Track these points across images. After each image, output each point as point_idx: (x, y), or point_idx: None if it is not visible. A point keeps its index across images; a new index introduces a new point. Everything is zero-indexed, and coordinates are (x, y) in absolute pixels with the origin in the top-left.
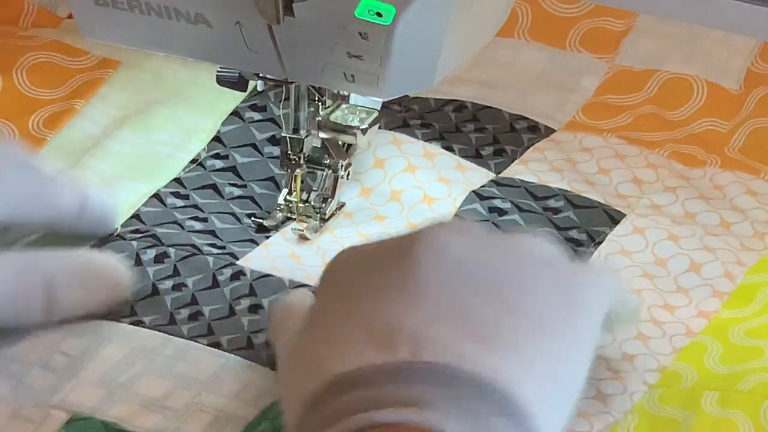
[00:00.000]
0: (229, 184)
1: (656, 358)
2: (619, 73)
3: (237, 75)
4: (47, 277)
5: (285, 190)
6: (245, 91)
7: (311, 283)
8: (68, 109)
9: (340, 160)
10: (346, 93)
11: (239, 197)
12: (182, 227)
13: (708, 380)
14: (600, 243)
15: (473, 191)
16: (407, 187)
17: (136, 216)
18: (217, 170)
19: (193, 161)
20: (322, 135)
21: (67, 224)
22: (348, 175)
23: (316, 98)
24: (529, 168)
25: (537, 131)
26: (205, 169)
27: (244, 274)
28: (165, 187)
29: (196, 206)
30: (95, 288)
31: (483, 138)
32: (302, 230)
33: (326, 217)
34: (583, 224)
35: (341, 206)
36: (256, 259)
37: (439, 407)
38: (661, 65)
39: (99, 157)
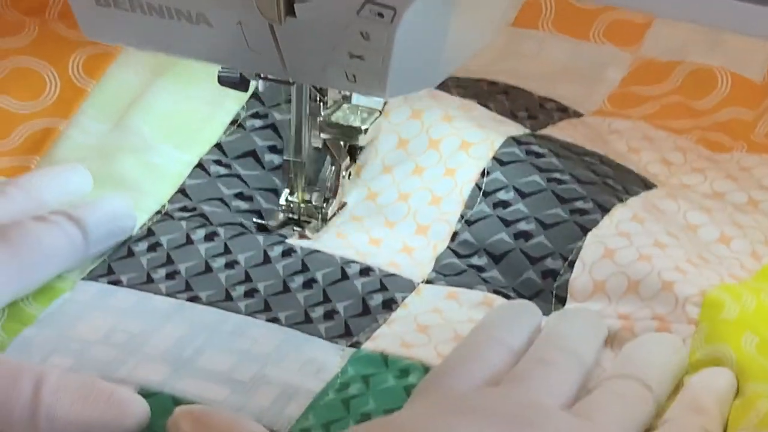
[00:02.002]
0: (269, 149)
1: (696, 283)
2: (643, 64)
3: (238, 75)
4: (37, 379)
5: (286, 191)
6: (246, 91)
7: (360, 259)
8: (106, 53)
9: (342, 161)
10: (347, 93)
11: (279, 167)
12: (228, 207)
13: (748, 319)
14: (634, 195)
15: (511, 137)
16: (445, 135)
17: (181, 191)
18: (257, 129)
19: (233, 122)
20: (324, 135)
21: (78, 258)
22: (349, 175)
23: (318, 98)
24: (564, 132)
25: (566, 111)
26: (246, 129)
27: (295, 251)
28: (207, 154)
29: (239, 177)
30: (95, 405)
31: (516, 105)
32: (304, 231)
33: (328, 218)
34: (619, 181)
35: (343, 206)
36: (302, 238)
37: None
38: (684, 56)
39: (140, 117)
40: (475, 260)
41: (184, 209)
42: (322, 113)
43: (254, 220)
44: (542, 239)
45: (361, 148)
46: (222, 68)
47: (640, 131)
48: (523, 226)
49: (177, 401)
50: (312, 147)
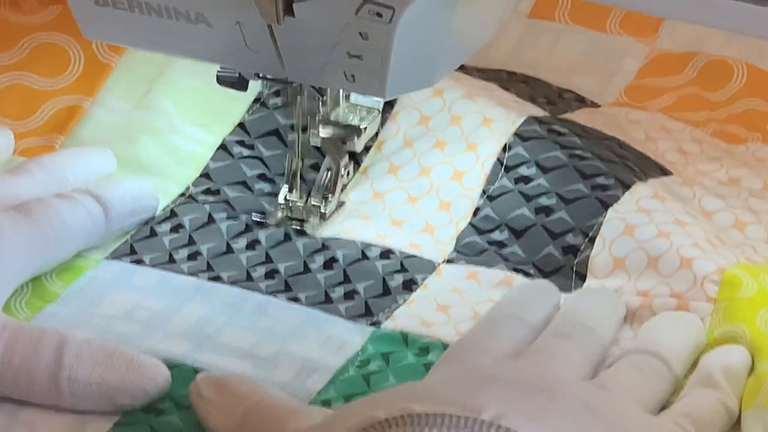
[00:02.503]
0: (291, 127)
1: (714, 260)
2: (659, 55)
3: (237, 75)
4: (59, 342)
5: (285, 189)
6: (245, 90)
7: (380, 241)
8: None
9: (341, 159)
10: (346, 93)
11: None
12: (252, 191)
13: (765, 297)
14: (650, 178)
15: (531, 116)
16: (466, 112)
17: (205, 174)
18: (280, 108)
19: (256, 100)
20: (323, 134)
21: (100, 235)
22: (348, 174)
23: (317, 97)
24: (582, 119)
25: (584, 102)
26: (269, 108)
27: (314, 238)
28: (230, 134)
29: (261, 159)
30: (116, 369)
31: (536, 92)
32: (303, 229)
33: (326, 217)
34: (637, 164)
35: (341, 205)
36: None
37: None
38: (700, 48)
39: (165, 93)
40: (497, 235)
41: (207, 192)
42: (321, 111)
43: (253, 218)
44: (563, 214)
45: (367, 149)
46: (221, 68)
47: (657, 122)
48: (544, 201)
49: (199, 372)
50: (311, 145)
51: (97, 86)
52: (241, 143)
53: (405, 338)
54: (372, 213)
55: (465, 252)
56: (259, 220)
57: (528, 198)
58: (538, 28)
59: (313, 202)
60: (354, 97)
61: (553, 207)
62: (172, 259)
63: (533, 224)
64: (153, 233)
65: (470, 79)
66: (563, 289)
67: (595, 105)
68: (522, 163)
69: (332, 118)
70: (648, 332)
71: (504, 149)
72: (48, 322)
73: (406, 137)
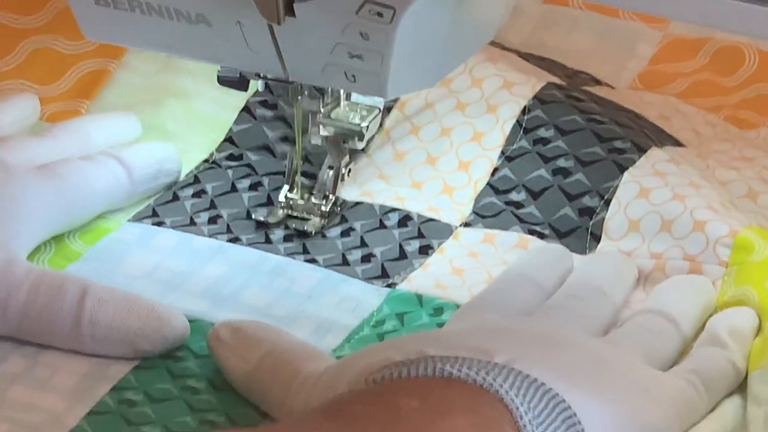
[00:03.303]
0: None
1: (727, 222)
2: (672, 41)
3: (238, 75)
4: (82, 288)
5: (286, 188)
6: (246, 90)
7: (400, 205)
8: None
9: (341, 158)
10: (347, 92)
11: None
12: (274, 154)
13: None
14: (663, 146)
15: (550, 82)
16: (487, 75)
17: (228, 139)
18: None
19: None
20: (323, 133)
21: (123, 197)
22: (348, 172)
23: (317, 96)
24: (599, 93)
25: (599, 83)
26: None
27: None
28: (254, 96)
29: (284, 119)
30: (137, 315)
31: (552, 69)
32: (303, 228)
33: (327, 215)
34: (652, 134)
35: (342, 203)
36: (344, 188)
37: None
38: (712, 33)
39: (183, 66)
40: (514, 196)
41: (231, 158)
42: (322, 110)
43: (253, 217)
44: (580, 176)
45: (365, 148)
46: (221, 68)
47: (671, 105)
48: (561, 162)
49: None
50: (311, 144)
51: (122, 48)
52: (263, 103)
53: (420, 299)
54: (393, 174)
55: (483, 214)
56: (260, 219)
57: (546, 159)
58: (552, 15)
59: (313, 201)
60: (355, 96)
61: (570, 169)
62: (192, 222)
63: (550, 185)
64: (175, 197)
65: (490, 47)
66: (578, 250)
67: (609, 87)
68: (541, 125)
69: (333, 116)
70: (659, 294)
71: (523, 111)
72: None
73: (427, 98)
